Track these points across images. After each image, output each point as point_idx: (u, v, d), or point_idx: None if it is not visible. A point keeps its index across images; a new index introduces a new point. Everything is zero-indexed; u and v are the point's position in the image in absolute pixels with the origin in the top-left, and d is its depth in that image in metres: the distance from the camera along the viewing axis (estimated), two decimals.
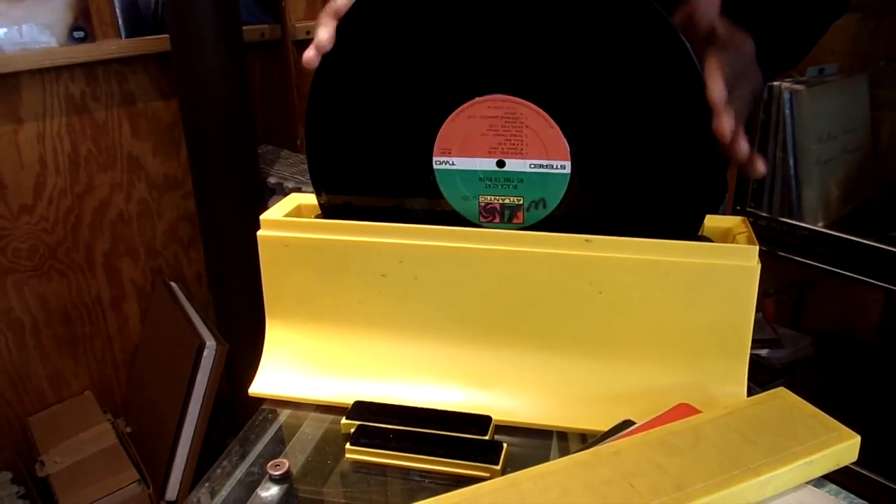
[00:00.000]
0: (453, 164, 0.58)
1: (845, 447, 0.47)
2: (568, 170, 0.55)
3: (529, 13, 0.53)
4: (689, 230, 0.56)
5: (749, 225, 0.58)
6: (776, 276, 1.79)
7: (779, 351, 1.71)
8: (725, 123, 0.50)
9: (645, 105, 0.54)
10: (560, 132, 0.55)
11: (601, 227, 0.55)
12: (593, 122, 0.55)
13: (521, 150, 0.56)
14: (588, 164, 0.56)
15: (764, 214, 1.55)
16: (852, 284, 1.49)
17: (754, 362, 1.72)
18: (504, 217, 0.58)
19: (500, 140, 0.56)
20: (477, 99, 0.56)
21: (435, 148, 0.58)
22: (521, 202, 0.57)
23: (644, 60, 0.53)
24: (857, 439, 0.47)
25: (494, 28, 0.54)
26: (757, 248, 0.53)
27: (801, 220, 1.52)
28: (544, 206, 0.57)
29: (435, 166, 0.58)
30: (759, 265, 0.53)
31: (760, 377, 1.67)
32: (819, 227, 1.50)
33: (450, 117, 0.57)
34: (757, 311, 1.69)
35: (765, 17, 0.71)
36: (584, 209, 0.57)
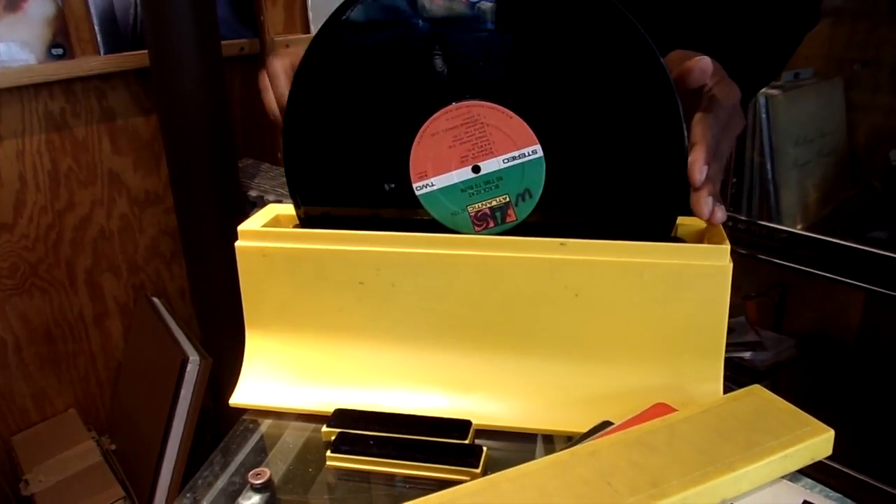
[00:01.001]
0: (433, 185, 0.59)
1: (820, 441, 0.48)
2: (541, 153, 0.56)
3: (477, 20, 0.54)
4: (662, 231, 0.57)
5: (722, 226, 0.59)
6: (757, 279, 1.80)
7: (761, 353, 1.72)
8: (703, 205, 0.53)
9: (608, 102, 0.55)
10: (521, 120, 0.55)
11: (588, 209, 0.57)
12: (555, 113, 0.56)
13: (490, 148, 0.57)
14: (558, 144, 0.56)
15: (743, 218, 1.57)
16: (833, 286, 1.51)
17: (737, 365, 1.73)
18: (496, 219, 0.59)
19: (468, 146, 0.57)
20: (433, 116, 0.57)
21: (412, 175, 0.59)
22: (507, 199, 0.58)
23: (602, 53, 0.54)
24: (831, 433, 0.48)
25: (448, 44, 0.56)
26: (728, 247, 0.53)
27: (779, 222, 1.53)
28: (530, 196, 0.57)
29: (417, 193, 0.59)
30: (731, 264, 0.53)
31: (743, 380, 1.68)
32: (798, 230, 1.51)
33: (415, 141, 0.58)
34: (739, 314, 1.70)
35: (740, 39, 0.72)
36: (567, 191, 0.57)
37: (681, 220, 0.59)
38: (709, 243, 0.56)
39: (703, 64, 0.54)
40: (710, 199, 0.53)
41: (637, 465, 0.45)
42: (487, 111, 0.56)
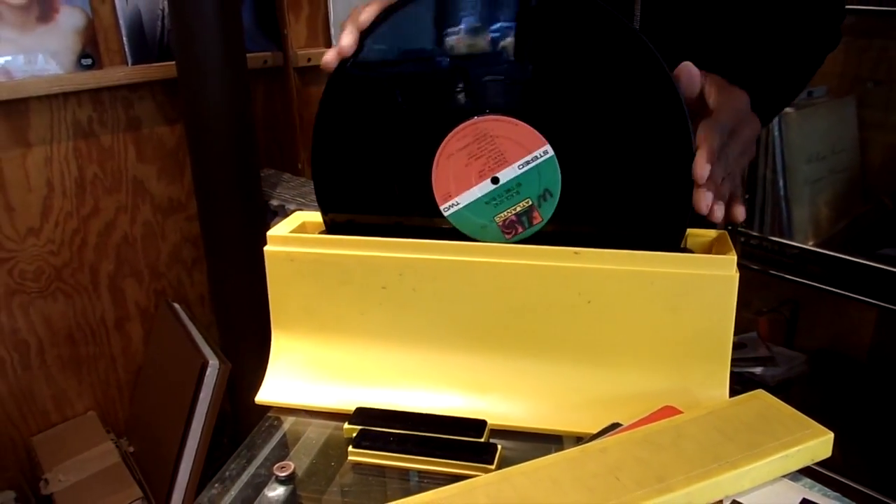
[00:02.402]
0: (459, 204, 0.62)
1: (819, 443, 0.50)
2: (552, 151, 0.59)
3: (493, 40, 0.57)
4: (672, 242, 0.59)
5: (729, 238, 0.61)
6: (769, 295, 1.81)
7: (773, 369, 1.74)
8: (702, 200, 0.56)
9: (619, 117, 0.58)
10: (526, 125, 0.58)
11: (603, 215, 0.60)
12: (567, 128, 0.58)
13: (504, 158, 0.59)
14: (568, 142, 0.59)
15: (755, 234, 1.58)
16: (845, 302, 1.52)
17: (749, 380, 1.74)
18: (524, 224, 0.61)
19: (483, 160, 0.60)
20: (445, 139, 0.60)
21: (437, 198, 0.62)
22: (530, 203, 0.61)
23: (612, 70, 0.57)
24: (831, 436, 0.50)
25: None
26: (735, 258, 0.56)
27: (791, 238, 1.55)
28: (551, 195, 0.60)
29: (446, 214, 0.62)
30: (738, 274, 0.56)
31: None
32: (810, 246, 1.53)
33: (434, 166, 0.61)
34: (751, 329, 1.70)
35: (761, 62, 0.75)
36: (585, 187, 0.60)
37: (690, 231, 0.62)
38: (716, 254, 0.58)
39: (687, 70, 0.57)
40: (709, 195, 0.56)
41: (644, 462, 0.47)
42: (494, 124, 0.59)
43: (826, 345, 1.79)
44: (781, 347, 1.80)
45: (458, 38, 0.59)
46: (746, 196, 1.58)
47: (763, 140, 1.54)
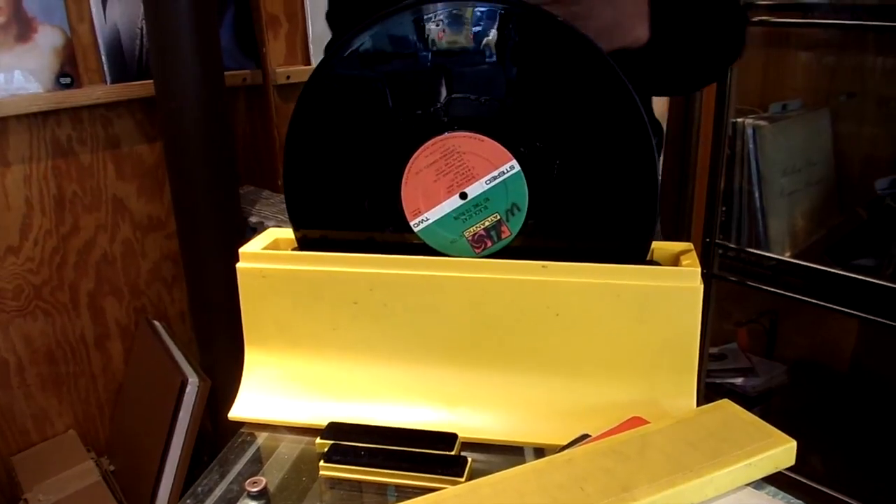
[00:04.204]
0: (428, 219, 0.62)
1: (782, 451, 0.51)
2: (518, 167, 0.60)
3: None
4: (638, 255, 0.60)
5: (694, 250, 0.62)
6: (749, 306, 1.83)
7: (753, 379, 1.75)
8: None
9: (583, 131, 0.59)
10: (493, 141, 0.59)
11: (570, 228, 0.61)
12: (532, 142, 0.59)
13: (472, 173, 0.60)
14: (534, 157, 0.60)
15: (733, 246, 1.60)
16: (823, 312, 1.54)
17: (730, 391, 1.75)
18: (493, 238, 0.62)
19: (451, 176, 0.61)
20: (413, 156, 0.61)
21: (407, 213, 0.63)
22: (498, 217, 0.61)
23: (577, 90, 0.58)
24: (793, 444, 0.51)
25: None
26: (699, 270, 0.57)
27: (768, 250, 1.56)
28: (519, 210, 0.61)
29: (416, 229, 0.63)
30: (702, 286, 0.57)
31: None
32: (786, 257, 1.54)
33: (403, 183, 0.62)
34: (731, 340, 1.72)
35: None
36: (552, 201, 0.61)
37: (656, 244, 0.63)
38: (682, 266, 0.59)
39: None
40: None
41: (609, 472, 0.48)
42: (461, 140, 0.60)
43: (806, 355, 1.81)
44: (761, 358, 1.82)
45: (426, 57, 0.60)
46: (723, 208, 1.60)
47: (738, 153, 1.56)
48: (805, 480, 1.35)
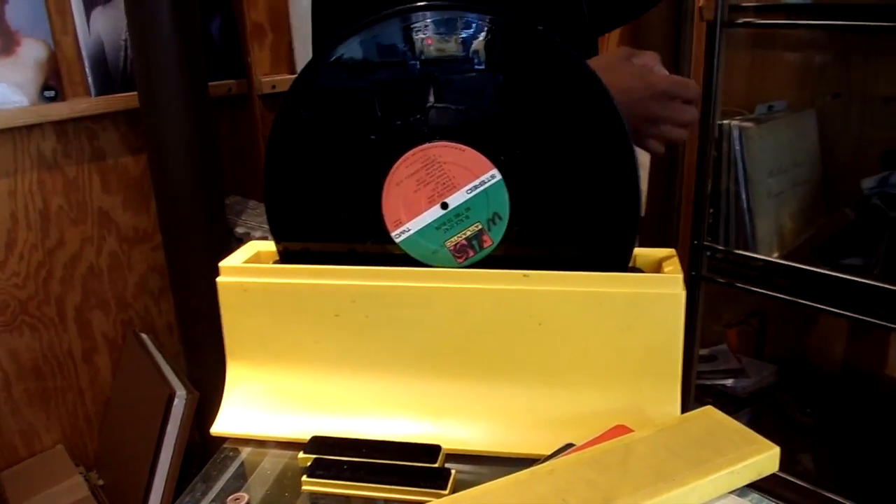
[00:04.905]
0: (410, 230, 0.62)
1: (765, 458, 0.50)
2: (499, 176, 0.59)
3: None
4: (620, 262, 0.60)
5: (677, 255, 0.62)
6: (738, 307, 1.83)
7: (743, 380, 1.75)
8: None
9: (563, 139, 0.58)
10: (474, 151, 0.59)
11: (552, 236, 0.61)
12: (512, 150, 0.59)
13: (452, 183, 0.60)
14: (515, 166, 0.60)
15: (720, 247, 1.60)
16: (813, 312, 1.54)
17: (720, 392, 1.75)
18: (475, 248, 0.62)
19: (431, 186, 0.60)
20: (394, 166, 0.61)
21: (388, 224, 0.62)
22: (479, 227, 0.61)
23: (556, 97, 0.57)
24: (777, 450, 0.51)
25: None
26: (681, 276, 0.57)
27: (756, 251, 1.56)
28: (500, 219, 0.61)
29: (397, 240, 0.62)
30: (684, 292, 0.56)
31: (726, 407, 1.70)
32: (774, 258, 1.55)
33: (383, 194, 0.61)
34: (720, 341, 1.72)
35: None
36: (534, 210, 0.60)
37: (638, 250, 0.62)
38: (664, 273, 0.59)
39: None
40: None
41: (592, 483, 0.48)
42: (441, 150, 0.59)
43: (795, 355, 1.81)
44: (751, 359, 1.82)
45: (407, 66, 0.59)
46: (711, 210, 1.60)
47: (725, 154, 1.56)
48: (795, 480, 1.35)
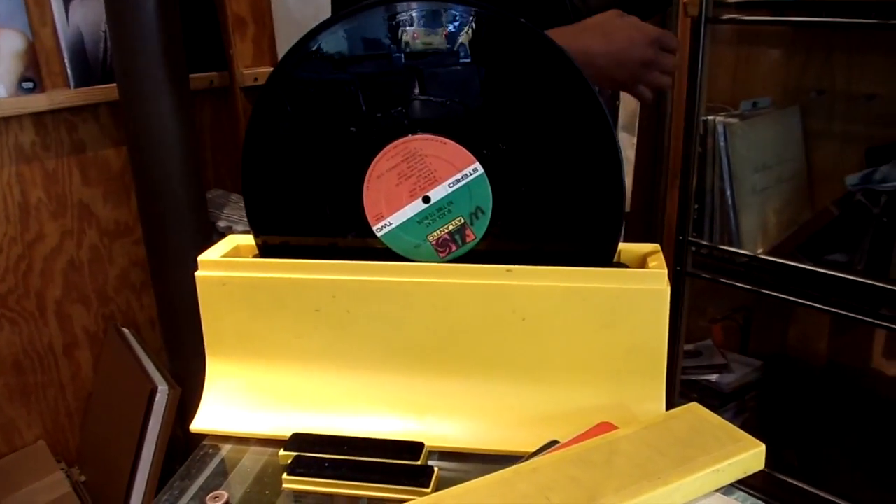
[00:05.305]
0: (391, 224, 0.61)
1: (751, 456, 0.50)
2: (481, 169, 0.59)
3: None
4: (604, 257, 0.60)
5: (661, 251, 0.61)
6: (722, 303, 1.83)
7: (728, 375, 1.75)
8: None
9: (547, 132, 0.58)
10: (455, 144, 0.58)
11: (535, 231, 0.60)
12: (494, 142, 0.58)
13: (434, 176, 0.59)
14: (497, 160, 0.59)
15: (705, 243, 1.60)
16: (797, 308, 1.54)
17: (705, 387, 1.75)
18: (457, 242, 0.61)
19: (413, 180, 0.59)
20: (375, 159, 0.60)
21: (369, 218, 0.61)
22: (462, 221, 0.60)
23: (540, 90, 0.57)
24: (762, 448, 0.50)
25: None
26: (665, 272, 0.56)
27: (741, 247, 1.57)
28: (483, 213, 0.60)
29: (379, 234, 0.62)
30: (669, 288, 0.56)
31: (711, 402, 1.70)
32: (759, 254, 1.55)
33: (364, 187, 0.60)
34: (705, 337, 1.72)
35: None
36: (516, 204, 0.60)
37: (623, 246, 0.62)
38: (649, 268, 0.58)
39: None
40: None
41: (576, 481, 0.47)
42: (422, 143, 0.58)
43: (780, 350, 1.81)
44: (736, 354, 1.82)
45: (386, 59, 0.59)
46: (696, 206, 1.60)
47: (710, 150, 1.56)
48: (780, 475, 1.35)
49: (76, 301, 1.62)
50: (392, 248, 0.62)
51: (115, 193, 1.62)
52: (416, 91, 0.58)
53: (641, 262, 0.62)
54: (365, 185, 0.60)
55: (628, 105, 1.75)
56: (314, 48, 0.59)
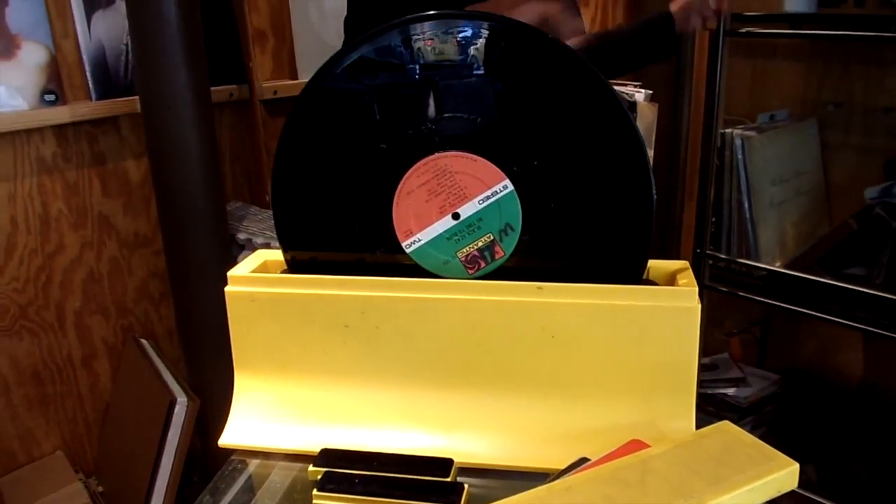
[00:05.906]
0: (421, 240, 0.62)
1: (784, 474, 0.50)
2: (511, 186, 0.59)
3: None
4: (634, 274, 0.60)
5: (691, 268, 0.61)
6: (740, 316, 1.83)
7: (745, 389, 1.74)
8: None
9: (577, 150, 0.58)
10: (485, 161, 0.58)
11: (565, 248, 0.60)
12: (526, 161, 0.59)
13: (464, 193, 0.59)
14: (527, 177, 0.59)
15: (723, 256, 1.60)
16: (815, 322, 1.54)
17: (722, 401, 1.75)
18: (486, 259, 0.61)
19: (443, 197, 0.60)
20: (405, 176, 0.60)
21: (399, 234, 0.62)
22: (491, 238, 0.60)
23: (571, 108, 0.57)
24: (796, 467, 0.50)
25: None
26: (696, 289, 0.56)
27: (758, 260, 1.56)
28: (512, 230, 0.60)
29: (408, 250, 0.62)
30: (700, 305, 0.56)
31: (728, 415, 1.70)
32: (776, 267, 1.54)
33: (394, 203, 0.61)
34: (722, 350, 1.72)
35: None
36: (545, 221, 0.60)
37: (652, 262, 0.62)
38: (678, 285, 0.58)
39: None
40: None
41: (611, 500, 0.47)
42: (452, 160, 0.59)
43: (797, 364, 1.80)
44: (753, 367, 1.81)
45: (419, 74, 0.59)
46: (713, 219, 1.60)
47: (727, 163, 1.56)
48: (800, 491, 1.34)
49: (95, 312, 1.63)
50: (421, 265, 0.62)
51: (134, 205, 1.63)
52: (446, 108, 0.59)
53: (670, 280, 0.62)
54: (395, 201, 0.61)
55: (644, 118, 1.75)
56: (347, 64, 0.59)
